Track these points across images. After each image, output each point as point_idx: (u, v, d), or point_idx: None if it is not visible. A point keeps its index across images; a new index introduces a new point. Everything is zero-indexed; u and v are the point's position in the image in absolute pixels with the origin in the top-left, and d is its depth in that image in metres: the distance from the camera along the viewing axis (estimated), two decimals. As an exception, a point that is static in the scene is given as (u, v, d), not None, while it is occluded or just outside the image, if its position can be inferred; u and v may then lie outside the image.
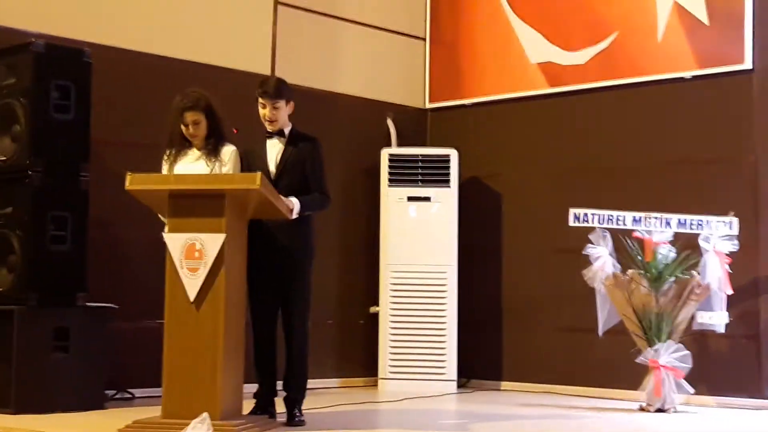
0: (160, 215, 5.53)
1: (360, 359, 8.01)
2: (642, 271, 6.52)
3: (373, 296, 7.92)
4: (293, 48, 7.74)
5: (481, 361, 7.98)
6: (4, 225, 5.99)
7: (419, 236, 7.82)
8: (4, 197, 6.03)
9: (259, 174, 5.10)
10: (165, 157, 5.68)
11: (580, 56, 7.76)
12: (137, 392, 6.57)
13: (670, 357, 6.40)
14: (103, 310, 6.17)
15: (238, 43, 7.44)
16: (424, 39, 8.63)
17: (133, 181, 5.21)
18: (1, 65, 6.10)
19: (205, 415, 4.40)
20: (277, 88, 5.62)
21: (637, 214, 6.59)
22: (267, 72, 7.41)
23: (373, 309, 7.94)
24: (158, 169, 5.64)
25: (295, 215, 5.42)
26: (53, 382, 5.86)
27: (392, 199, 7.86)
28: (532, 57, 8.02)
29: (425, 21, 8.64)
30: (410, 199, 7.87)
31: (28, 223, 5.90)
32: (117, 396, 6.48)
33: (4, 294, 5.93)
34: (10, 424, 5.22)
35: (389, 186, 7.87)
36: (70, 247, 6.02)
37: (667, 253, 6.55)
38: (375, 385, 7.79)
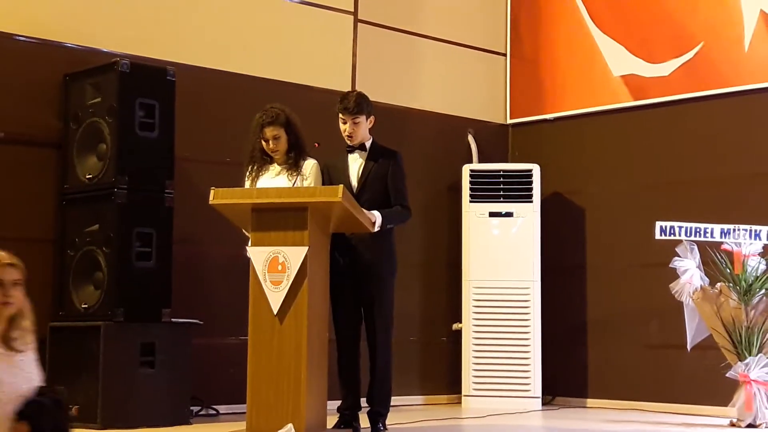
0: (243, 230, 5.58)
1: (443, 376, 7.96)
2: (731, 284, 6.38)
3: (455, 313, 7.87)
4: (373, 65, 7.77)
5: (566, 378, 7.87)
6: (91, 242, 6.07)
7: (501, 252, 7.75)
8: (90, 215, 6.12)
9: (341, 186, 5.11)
10: (247, 173, 5.74)
11: (664, 68, 7.65)
12: (221, 408, 6.61)
13: (761, 371, 6.23)
14: (187, 325, 6.21)
15: (318, 61, 7.49)
16: (505, 54, 8.60)
17: (216, 196, 5.27)
18: (87, 84, 6.22)
19: (290, 426, 4.40)
20: (357, 104, 5.63)
21: (726, 226, 6.45)
22: (347, 89, 7.42)
23: (456, 326, 7.89)
24: (241, 186, 5.68)
25: (377, 228, 5.42)
26: (139, 397, 5.91)
27: (474, 215, 7.81)
28: (615, 70, 7.93)
29: (506, 36, 8.60)
30: (492, 214, 7.81)
31: (114, 240, 5.97)
32: (202, 412, 6.51)
33: (90, 310, 6.00)
34: (97, 438, 5.28)
35: (471, 202, 7.82)
36: (155, 264, 6.08)
37: (756, 265, 6.39)
38: (459, 402, 7.73)
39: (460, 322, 7.80)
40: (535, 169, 7.82)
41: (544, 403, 7.65)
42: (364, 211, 5.37)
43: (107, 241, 5.99)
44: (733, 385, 6.33)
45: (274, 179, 5.61)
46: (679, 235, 6.51)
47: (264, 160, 5.69)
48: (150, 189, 6.11)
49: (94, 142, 6.14)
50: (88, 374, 5.87)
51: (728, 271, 6.42)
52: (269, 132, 5.61)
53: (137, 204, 6.03)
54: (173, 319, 6.13)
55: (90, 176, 6.13)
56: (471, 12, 8.47)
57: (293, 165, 5.60)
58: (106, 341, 5.84)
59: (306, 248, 5.06)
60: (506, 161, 8.34)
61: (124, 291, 5.94)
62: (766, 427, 6.20)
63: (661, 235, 6.53)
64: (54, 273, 6.24)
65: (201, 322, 6.31)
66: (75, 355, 5.98)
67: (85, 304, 6.04)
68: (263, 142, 5.65)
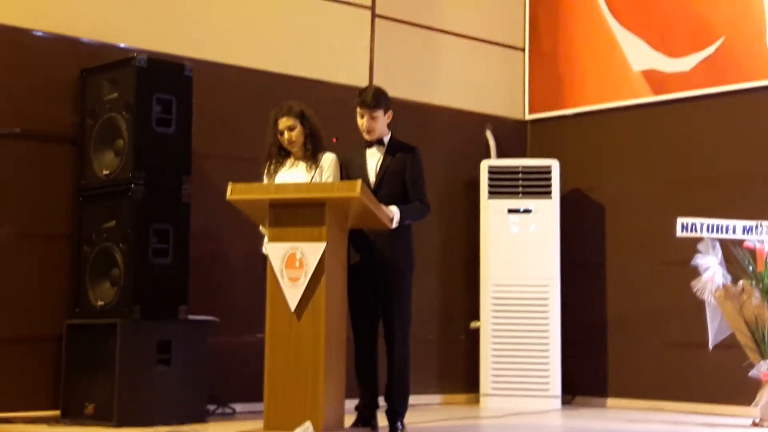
0: (260, 227, 5.54)
1: (461, 375, 7.90)
2: (754, 282, 6.30)
3: (473, 311, 7.81)
4: (391, 60, 7.72)
5: (586, 377, 7.80)
6: (108, 238, 6.04)
7: (520, 249, 7.68)
8: (107, 211, 6.09)
9: (359, 181, 5.06)
10: (265, 170, 5.72)
11: (685, 63, 7.58)
12: (238, 407, 6.57)
13: (784, 370, 6.16)
14: (204, 323, 6.18)
15: (336, 57, 7.44)
16: (524, 49, 8.53)
17: (234, 191, 5.23)
18: (105, 80, 6.18)
19: (308, 423, 4.35)
20: (375, 98, 5.58)
21: (748, 223, 6.37)
22: (365, 84, 7.37)
23: (474, 324, 7.82)
24: (259, 182, 5.65)
25: (395, 224, 5.36)
26: (155, 395, 5.86)
27: (492, 211, 7.75)
28: (635, 64, 7.85)
29: (524, 31, 8.54)
30: (511, 211, 7.74)
31: (130, 237, 5.93)
32: (218, 411, 6.47)
33: (107, 307, 5.97)
34: (114, 435, 5.24)
35: (489, 198, 7.76)
36: (172, 260, 6.04)
37: (780, 262, 6.31)
38: (477, 401, 7.67)
39: (479, 320, 7.74)
40: (554, 165, 7.75)
41: (563, 403, 7.58)
42: (383, 206, 5.31)
43: (124, 237, 5.95)
44: (756, 385, 6.26)
45: (292, 173, 5.58)
46: (701, 232, 6.43)
47: (281, 155, 5.67)
48: (167, 185, 6.07)
49: (111, 137, 6.10)
50: (104, 372, 5.84)
51: (751, 268, 6.34)
52: (283, 123, 5.62)
53: (154, 200, 5.99)
54: (190, 317, 6.09)
55: (107, 172, 6.09)
56: (489, 6, 8.41)
57: (311, 158, 5.58)
58: (122, 339, 5.80)
59: (324, 244, 5.01)
60: (525, 157, 8.27)
61: (140, 288, 5.90)
62: (789, 427, 6.13)
63: (682, 232, 6.45)
64: (70, 269, 6.21)
65: (217, 320, 6.27)
66: (91, 353, 5.95)
67: (101, 301, 6.00)
68: (279, 135, 5.62)
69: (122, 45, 6.46)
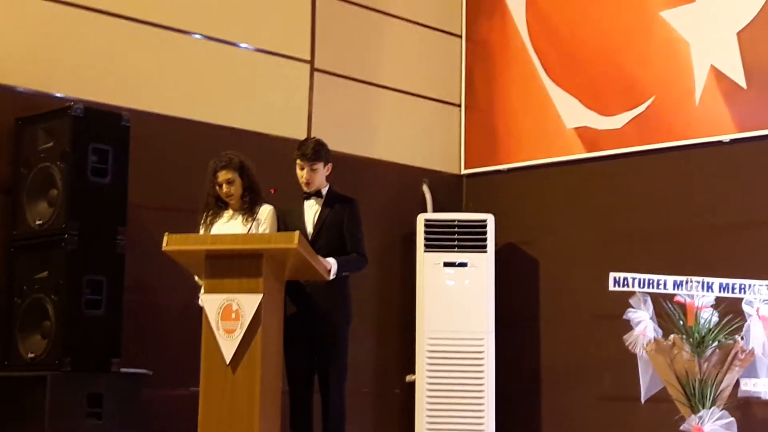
0: (196, 278, 5.51)
1: (397, 429, 7.88)
2: (684, 336, 6.39)
3: (409, 364, 7.81)
4: (329, 113, 7.76)
5: (521, 430, 7.82)
6: (39, 289, 5.95)
7: (456, 302, 7.71)
8: (39, 262, 6.00)
9: (296, 233, 5.08)
10: (202, 221, 5.71)
11: (617, 120, 7.72)
12: (171, 461, 6.48)
13: (714, 424, 6.22)
14: (137, 376, 6.09)
15: (274, 109, 7.46)
16: (459, 105, 8.64)
17: (170, 242, 5.21)
18: (40, 129, 6.12)
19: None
20: (315, 151, 5.64)
21: (679, 278, 6.47)
22: (303, 137, 7.40)
23: (409, 377, 7.82)
24: (195, 233, 5.62)
25: (332, 276, 5.39)
26: (86, 449, 5.77)
27: (428, 264, 7.78)
28: (568, 122, 7.99)
29: (460, 87, 8.65)
30: (446, 264, 7.78)
31: (63, 288, 5.85)
32: (150, 465, 6.38)
33: (37, 359, 5.86)
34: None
35: (425, 251, 7.79)
36: (105, 312, 5.96)
37: (709, 317, 6.40)
38: (412, 455, 7.65)
39: (414, 374, 7.73)
40: (490, 220, 7.82)
41: (497, 456, 7.60)
42: (320, 258, 5.33)
43: (56, 288, 5.87)
44: (688, 438, 6.32)
45: (228, 223, 5.58)
46: (633, 286, 6.51)
47: (219, 206, 5.67)
48: (101, 235, 6.00)
49: (45, 187, 6.04)
50: (33, 426, 5.71)
51: (681, 323, 6.43)
52: (222, 176, 5.62)
53: (88, 251, 5.91)
54: (122, 369, 6.00)
55: (40, 222, 6.02)
56: (426, 63, 8.51)
57: (248, 210, 5.58)
58: (52, 392, 5.68)
59: (260, 296, 5.01)
60: (461, 211, 8.34)
61: (72, 340, 5.80)
62: (719, 480, 6.19)
63: (614, 286, 6.52)
64: (0, 321, 6.10)
65: (151, 373, 6.20)
66: (20, 406, 5.82)
67: (31, 353, 5.90)
68: (217, 188, 5.62)
69: (59, 94, 6.42)
